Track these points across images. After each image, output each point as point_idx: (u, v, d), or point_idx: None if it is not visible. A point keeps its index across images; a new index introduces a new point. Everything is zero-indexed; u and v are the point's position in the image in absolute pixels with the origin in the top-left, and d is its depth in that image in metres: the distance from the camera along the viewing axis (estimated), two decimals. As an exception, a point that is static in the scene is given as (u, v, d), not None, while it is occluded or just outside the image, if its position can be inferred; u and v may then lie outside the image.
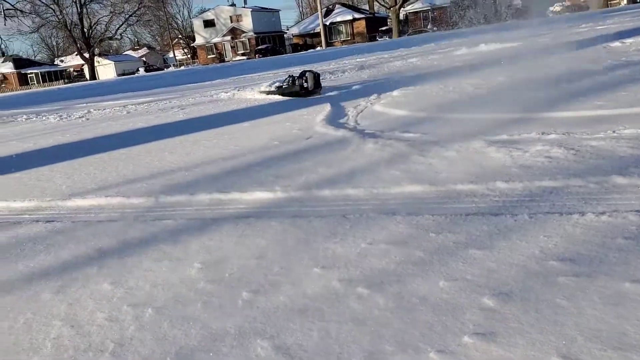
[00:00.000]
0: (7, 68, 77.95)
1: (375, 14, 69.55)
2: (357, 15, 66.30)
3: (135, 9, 71.85)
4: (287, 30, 77.27)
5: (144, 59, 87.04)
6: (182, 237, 2.75)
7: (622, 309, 1.59)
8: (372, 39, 61.65)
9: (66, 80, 76.20)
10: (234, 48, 69.23)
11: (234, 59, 64.21)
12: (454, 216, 2.48)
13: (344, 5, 70.98)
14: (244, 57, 63.83)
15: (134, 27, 79.96)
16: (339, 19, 66.22)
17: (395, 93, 6.94)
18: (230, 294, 2.04)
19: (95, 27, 72.35)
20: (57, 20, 68.68)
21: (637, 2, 49.58)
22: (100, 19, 72.24)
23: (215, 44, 70.57)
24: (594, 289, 1.71)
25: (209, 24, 71.55)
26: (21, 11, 62.16)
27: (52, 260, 2.67)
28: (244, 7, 70.98)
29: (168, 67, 72.86)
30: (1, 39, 77.97)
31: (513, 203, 2.58)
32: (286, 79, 9.04)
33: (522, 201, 2.59)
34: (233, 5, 71.59)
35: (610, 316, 1.56)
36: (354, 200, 2.92)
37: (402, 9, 63.45)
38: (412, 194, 2.88)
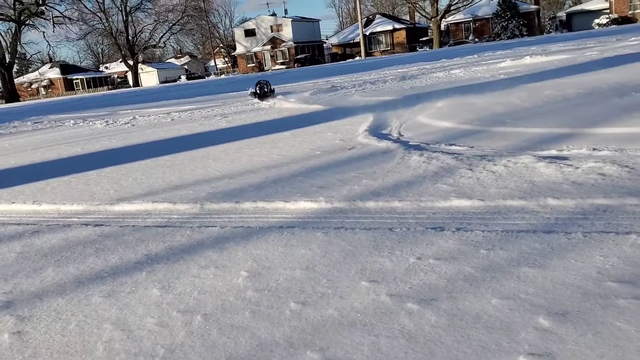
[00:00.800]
0: (54, 73, 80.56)
1: (416, 25, 69.32)
2: (397, 26, 66.19)
3: (178, 18, 73.41)
4: (327, 39, 77.67)
5: (185, 66, 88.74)
6: (228, 244, 2.77)
7: (688, 336, 1.52)
8: (412, 49, 61.42)
9: (110, 87, 78.26)
10: (273, 57, 69.96)
11: (272, 68, 64.86)
12: (504, 233, 2.43)
13: (384, 15, 71.05)
14: (283, 67, 64.43)
15: (177, 35, 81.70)
16: (379, 29, 66.24)
17: (439, 104, 6.88)
18: (278, 304, 2.04)
19: (139, 35, 74.15)
20: (103, 27, 70.63)
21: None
22: (145, 27, 74.07)
23: (255, 53, 71.46)
24: (657, 313, 1.65)
25: (249, 33, 72.57)
26: (69, 19, 64.09)
27: (102, 264, 2.72)
28: (285, 17, 71.77)
29: (209, 75, 74.08)
30: (49, 45, 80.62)
31: (565, 221, 2.51)
32: (256, 85, 12.20)
33: (575, 219, 2.52)
34: (274, 15, 72.50)
35: (675, 343, 1.50)
36: (399, 214, 2.90)
37: (443, 19, 63.09)
38: (460, 209, 2.84)
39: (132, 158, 5.91)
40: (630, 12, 53.36)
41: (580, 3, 71.99)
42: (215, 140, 6.50)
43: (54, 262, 2.83)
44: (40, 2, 60.21)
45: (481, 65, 14.63)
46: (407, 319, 1.81)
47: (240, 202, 3.52)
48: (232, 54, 78.37)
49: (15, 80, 67.61)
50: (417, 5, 67.11)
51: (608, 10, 58.02)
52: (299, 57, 65.25)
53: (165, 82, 71.18)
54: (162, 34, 75.20)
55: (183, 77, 71.31)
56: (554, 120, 4.90)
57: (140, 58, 76.94)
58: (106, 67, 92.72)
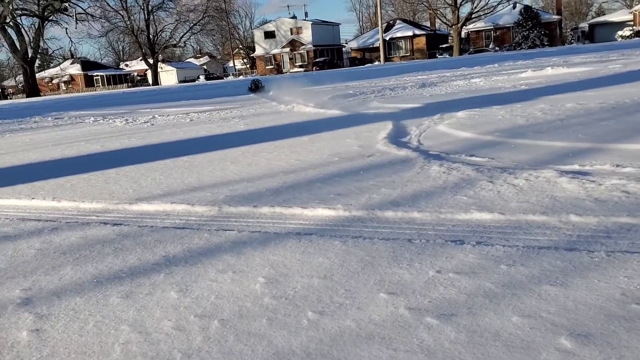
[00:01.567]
0: (75, 69, 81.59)
1: (436, 31, 69.15)
2: (417, 32, 66.11)
3: (199, 18, 73.94)
4: (346, 43, 77.76)
5: (204, 67, 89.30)
6: (245, 249, 2.77)
7: None
8: (432, 56, 61.26)
9: (130, 84, 79.00)
10: (292, 60, 70.21)
11: (291, 71, 65.03)
12: (525, 248, 2.40)
13: (404, 21, 71.00)
14: (301, 69, 64.56)
15: (198, 35, 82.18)
16: (399, 34, 66.21)
17: (459, 114, 6.84)
18: (295, 312, 2.03)
19: (160, 34, 74.78)
20: (125, 25, 71.36)
21: None
22: (166, 26, 74.68)
23: (274, 55, 71.77)
24: (683, 339, 1.62)
25: (269, 35, 72.91)
26: (92, 16, 64.85)
27: (120, 264, 2.73)
28: (305, 20, 72.01)
29: (227, 75, 74.47)
30: (71, 41, 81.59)
31: (588, 238, 2.48)
32: (251, 82, 16.71)
33: (598, 237, 2.48)
34: (294, 17, 72.78)
35: (702, 371, 1.47)
36: (418, 225, 2.88)
37: (464, 27, 62.88)
38: (480, 222, 2.81)
39: (151, 158, 5.94)
40: (654, 25, 52.77)
41: (604, 14, 71.39)
42: (233, 143, 6.52)
43: (73, 260, 2.85)
44: (64, -1, 60.95)
45: (502, 74, 14.54)
46: (426, 334, 1.79)
47: (258, 206, 3.52)
48: (251, 55, 78.76)
49: (36, 75, 68.48)
50: (439, 12, 66.98)
51: (632, 23, 57.41)
52: (317, 60, 65.41)
53: (184, 81, 71.68)
54: (182, 34, 75.82)
55: (202, 77, 71.80)
56: (576, 134, 4.85)
57: (160, 57, 77.54)
58: (126, 65, 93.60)
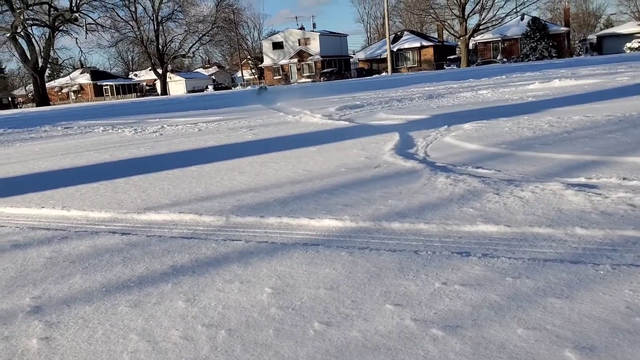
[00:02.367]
0: (85, 79, 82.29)
1: (444, 43, 69.32)
2: (425, 43, 66.28)
3: (208, 29, 74.42)
4: (354, 54, 78.07)
5: (213, 77, 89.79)
6: (252, 259, 2.79)
7: None
8: (440, 67, 61.37)
9: (138, 94, 79.51)
10: (299, 70, 70.52)
11: (298, 81, 65.29)
12: (531, 261, 2.41)
13: (412, 32, 71.21)
14: (309, 80, 64.81)
15: (206, 46, 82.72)
16: (406, 45, 66.41)
17: (466, 126, 6.86)
18: (302, 323, 2.05)
19: (169, 44, 75.32)
20: (134, 36, 71.93)
21: None
22: (175, 37, 75.22)
23: (282, 65, 72.14)
24: (688, 353, 1.62)
25: (277, 46, 73.35)
26: (102, 26, 65.45)
27: (129, 274, 2.76)
28: (313, 31, 72.41)
29: (235, 86, 74.78)
30: (81, 51, 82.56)
31: (593, 251, 2.48)
32: (259, 87, 22.83)
33: (603, 250, 2.49)
34: (302, 28, 73.22)
35: None
36: (425, 236, 2.89)
37: (471, 38, 62.99)
38: (486, 234, 2.83)
39: (160, 167, 5.99)
40: (663, 37, 52.69)
41: (612, 26, 71.32)
42: (241, 153, 6.56)
43: (82, 269, 2.88)
44: (75, 9, 61.62)
45: (509, 86, 14.56)
46: (431, 345, 1.80)
47: (265, 216, 3.54)
48: (259, 65, 79.17)
49: (46, 84, 69.10)
50: (446, 24, 67.18)
51: (640, 35, 57.30)
52: (325, 70, 65.70)
53: (193, 91, 72.08)
54: (191, 44, 76.32)
55: (210, 87, 72.18)
56: (583, 146, 4.85)
57: (169, 67, 78.06)
58: (135, 75, 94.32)
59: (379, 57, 67.62)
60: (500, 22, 64.02)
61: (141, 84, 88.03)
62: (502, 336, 1.81)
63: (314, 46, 70.06)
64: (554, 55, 56.63)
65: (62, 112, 29.27)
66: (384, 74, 58.21)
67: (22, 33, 60.84)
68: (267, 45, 75.22)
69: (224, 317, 2.16)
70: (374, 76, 54.73)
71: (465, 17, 63.65)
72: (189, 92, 72.68)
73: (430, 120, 8.06)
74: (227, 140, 8.21)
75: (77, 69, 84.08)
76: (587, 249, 2.51)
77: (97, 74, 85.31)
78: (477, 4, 63.90)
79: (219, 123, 11.59)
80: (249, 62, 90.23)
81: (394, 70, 59.73)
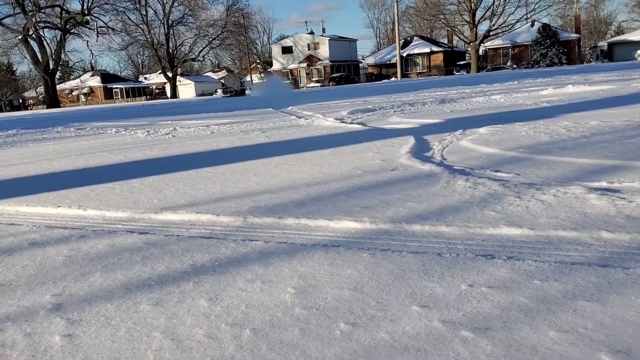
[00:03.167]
0: (95, 82, 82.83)
1: (454, 48, 69.21)
2: (434, 48, 66.23)
3: (218, 33, 74.68)
4: (363, 59, 78.11)
5: (222, 81, 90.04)
6: (272, 259, 2.77)
7: None
8: (449, 72, 61.28)
9: (148, 97, 79.88)
10: (308, 75, 70.65)
11: (307, 86, 65.37)
12: (558, 264, 2.37)
13: (422, 37, 71.20)
14: (318, 84, 64.86)
15: (216, 50, 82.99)
16: (416, 51, 66.38)
17: (482, 130, 6.82)
18: (327, 323, 2.02)
19: (179, 48, 75.62)
20: (145, 39, 72.29)
21: None
22: (185, 41, 75.52)
23: (291, 69, 72.30)
24: None
25: (286, 50, 73.56)
26: (113, 29, 65.86)
27: (149, 272, 2.74)
28: (322, 36, 72.52)
29: (245, 90, 74.85)
30: (92, 54, 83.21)
31: (621, 255, 2.45)
32: (232, 89, 24.64)
33: (632, 254, 2.45)
34: (312, 33, 73.37)
35: None
36: (447, 239, 2.86)
37: (481, 44, 62.88)
38: (509, 237, 2.79)
39: (174, 168, 5.99)
40: (675, 45, 52.42)
41: (623, 33, 70.99)
42: (254, 155, 6.56)
43: (101, 268, 2.87)
44: (86, 12, 62.10)
45: (522, 92, 14.49)
46: (461, 347, 1.77)
47: (282, 217, 3.52)
48: (269, 70, 79.34)
49: (57, 86, 69.56)
50: (456, 29, 67.10)
51: (652, 42, 57.01)
52: (334, 75, 65.76)
53: (202, 95, 72.29)
54: (201, 48, 76.63)
55: (219, 91, 72.36)
56: (602, 151, 4.80)
57: (179, 70, 78.36)
58: (145, 78, 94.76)
59: (388, 62, 67.63)
60: (510, 29, 63.87)
61: (151, 87, 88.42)
62: (534, 339, 1.78)
63: (323, 51, 70.17)
64: (564, 62, 56.42)
65: (74, 114, 29.43)
66: (393, 79, 58.20)
67: (33, 35, 61.40)
68: (276, 50, 75.46)
69: (247, 316, 2.14)
70: (383, 81, 54.73)
71: (476, 23, 63.56)
72: (198, 95, 72.92)
73: (444, 124, 8.02)
74: (239, 143, 8.21)
75: (88, 71, 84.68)
76: (615, 253, 2.48)
77: (107, 77, 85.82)
78: (487, 10, 63.85)
79: (231, 126, 11.60)
80: (258, 66, 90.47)
81: (404, 75, 59.70)
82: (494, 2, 62.82)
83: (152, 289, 2.52)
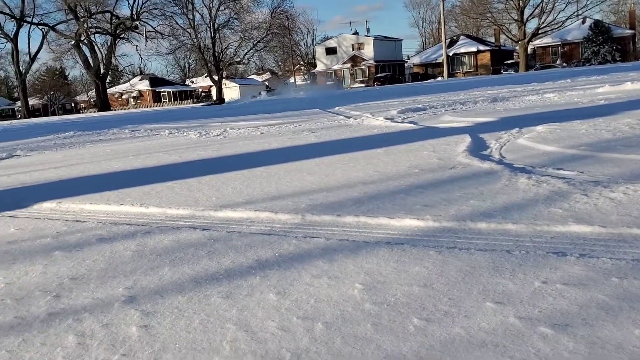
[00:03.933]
0: (144, 85, 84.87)
1: (501, 47, 67.86)
2: (481, 47, 65.11)
3: (263, 35, 75.32)
4: (408, 59, 77.44)
5: (266, 82, 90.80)
6: (336, 256, 2.78)
7: None
8: (497, 72, 60.14)
9: (195, 100, 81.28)
10: (352, 75, 70.51)
11: (351, 86, 65.25)
12: (635, 262, 2.30)
13: (468, 36, 70.14)
14: (362, 85, 64.67)
15: (261, 52, 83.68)
16: (462, 50, 65.41)
17: (539, 128, 6.67)
18: (400, 318, 2.02)
19: (225, 51, 76.62)
20: (192, 43, 73.52)
21: None
22: (230, 44, 76.44)
23: (335, 70, 72.28)
24: None
25: (330, 51, 73.59)
26: (161, 34, 67.25)
27: (216, 266, 2.80)
28: (367, 36, 72.23)
29: (224, 100, 74.91)
30: (141, 58, 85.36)
31: (702, 253, 2.35)
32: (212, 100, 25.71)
33: None
34: (356, 33, 73.20)
35: None
36: (514, 236, 2.81)
37: (530, 42, 61.47)
38: (580, 235, 2.72)
39: (228, 168, 6.07)
40: None
41: (681, 28, 68.11)
42: (306, 155, 6.59)
43: (169, 262, 2.94)
44: (135, 18, 63.71)
45: (576, 90, 14.10)
46: (541, 343, 1.74)
47: (341, 215, 3.53)
48: (312, 71, 79.62)
49: (107, 90, 71.64)
50: (504, 28, 65.80)
51: None
52: (379, 75, 65.45)
53: (246, 97, 73.07)
54: (246, 51, 77.46)
55: (263, 93, 72.99)
56: (670, 148, 4.63)
57: (224, 73, 79.45)
58: (192, 82, 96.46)
59: (434, 61, 66.86)
60: (560, 26, 62.17)
61: (197, 90, 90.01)
62: (618, 337, 1.73)
63: (368, 51, 69.91)
64: (618, 59, 54.56)
65: (126, 117, 30.25)
66: (439, 78, 57.53)
67: (85, 41, 63.41)
68: (320, 51, 75.64)
69: (317, 311, 2.15)
70: (429, 81, 54.21)
71: (524, 21, 62.15)
72: (243, 97, 73.74)
73: (499, 122, 7.88)
74: (290, 143, 8.26)
75: (137, 75, 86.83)
76: (695, 252, 2.38)
77: (155, 81, 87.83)
78: (536, 8, 62.32)
79: (280, 126, 11.69)
80: (302, 67, 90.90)
81: (450, 75, 58.91)
82: (543, -1, 61.31)
83: (221, 282, 2.56)
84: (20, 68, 66.71)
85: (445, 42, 58.36)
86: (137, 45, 66.21)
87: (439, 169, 4.77)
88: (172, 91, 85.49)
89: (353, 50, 71.32)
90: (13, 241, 3.66)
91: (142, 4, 64.22)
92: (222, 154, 7.71)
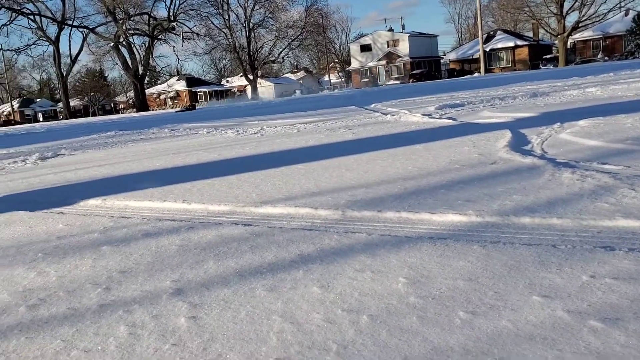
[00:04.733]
0: (181, 86, 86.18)
1: (539, 42, 66.48)
2: (519, 42, 63.93)
3: (297, 34, 75.58)
4: (444, 55, 76.64)
5: (301, 81, 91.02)
6: (378, 251, 2.79)
7: None
8: (535, 67, 58.97)
9: (230, 99, 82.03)
10: (388, 72, 70.11)
11: (387, 83, 64.91)
12: (688, 257, 2.25)
13: (505, 31, 68.95)
14: (397, 82, 64.27)
15: (295, 50, 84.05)
16: (499, 45, 64.36)
17: (581, 123, 6.53)
18: (446, 312, 2.02)
19: (260, 51, 77.16)
20: (227, 43, 74.29)
21: None
22: (265, 43, 76.94)
23: (369, 67, 71.99)
24: None
25: (365, 48, 73.32)
26: (197, 34, 68.17)
27: (259, 260, 2.84)
28: (402, 32, 71.71)
29: (322, 90, 75.29)
30: (178, 59, 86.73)
31: None
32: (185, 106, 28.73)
33: None
34: (391, 30, 72.75)
35: None
36: (559, 231, 2.77)
37: (570, 36, 60.05)
38: (629, 230, 2.67)
39: (267, 165, 6.14)
40: None
41: None
42: (344, 151, 6.60)
43: (214, 256, 3.00)
44: (172, 19, 64.74)
45: (619, 84, 13.73)
46: (591, 337, 1.72)
47: (382, 211, 3.53)
48: (347, 69, 79.49)
49: (145, 90, 73.00)
50: (542, 22, 64.41)
51: None
52: (414, 72, 64.92)
53: (281, 96, 73.47)
54: (281, 50, 77.86)
55: (298, 92, 73.24)
56: None
57: (259, 73, 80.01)
58: (227, 81, 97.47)
59: (470, 57, 65.98)
60: (602, 19, 60.50)
61: (232, 89, 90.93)
62: (672, 331, 1.70)
63: (403, 47, 69.42)
64: (663, 52, 52.83)
65: (165, 116, 30.80)
66: (476, 74, 56.73)
67: (124, 42, 64.74)
68: (355, 48, 75.44)
69: (362, 304, 2.17)
70: (466, 77, 53.50)
71: (564, 14, 60.71)
72: (277, 96, 74.15)
73: (539, 117, 7.75)
74: (327, 140, 8.29)
75: (174, 76, 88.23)
76: None
77: (192, 81, 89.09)
78: (576, 1, 60.80)
79: (316, 124, 11.73)
80: (337, 65, 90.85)
81: (487, 70, 58.03)
82: (583, -9, 59.75)
83: (265, 275, 2.61)
84: (62, 70, 68.58)
85: (482, 38, 57.47)
86: (174, 46, 67.33)
87: (479, 164, 4.72)
88: (208, 91, 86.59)
89: (388, 47, 70.91)
90: (62, 236, 3.78)
91: (179, 5, 65.35)
92: (260, 151, 7.79)
